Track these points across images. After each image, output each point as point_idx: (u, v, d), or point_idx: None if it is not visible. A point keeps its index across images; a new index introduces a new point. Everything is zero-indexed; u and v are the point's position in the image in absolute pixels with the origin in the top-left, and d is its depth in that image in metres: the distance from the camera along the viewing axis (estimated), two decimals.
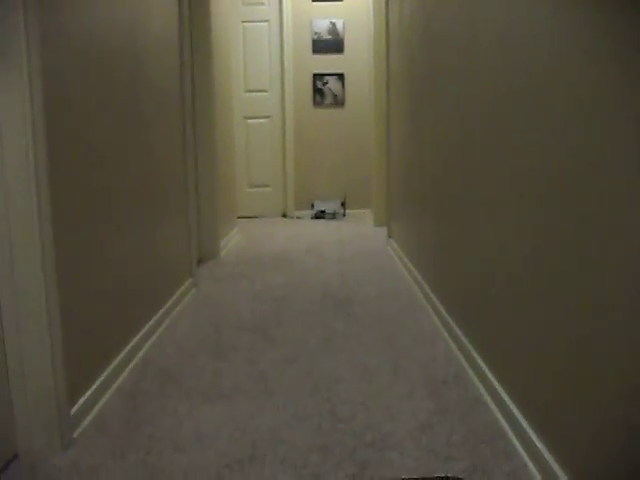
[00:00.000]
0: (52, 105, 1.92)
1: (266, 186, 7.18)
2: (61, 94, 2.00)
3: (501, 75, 2.06)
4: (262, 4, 6.94)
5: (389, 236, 5.28)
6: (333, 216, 6.93)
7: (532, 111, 1.77)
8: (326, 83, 6.99)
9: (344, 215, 6.98)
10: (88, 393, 2.17)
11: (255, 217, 7.11)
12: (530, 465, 1.77)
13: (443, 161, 3.05)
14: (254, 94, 7.03)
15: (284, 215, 7.19)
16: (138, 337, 2.75)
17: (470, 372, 2.46)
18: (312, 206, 7.07)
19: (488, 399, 2.21)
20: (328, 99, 7.03)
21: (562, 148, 1.56)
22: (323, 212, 6.95)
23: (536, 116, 1.74)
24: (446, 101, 2.94)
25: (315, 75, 6.99)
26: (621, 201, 1.27)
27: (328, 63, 6.98)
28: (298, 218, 7.04)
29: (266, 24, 6.96)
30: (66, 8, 2.05)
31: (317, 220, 6.90)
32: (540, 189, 1.72)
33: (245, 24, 6.94)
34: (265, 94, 7.04)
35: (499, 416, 2.08)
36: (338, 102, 7.04)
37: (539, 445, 1.73)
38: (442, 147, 3.06)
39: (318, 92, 7.01)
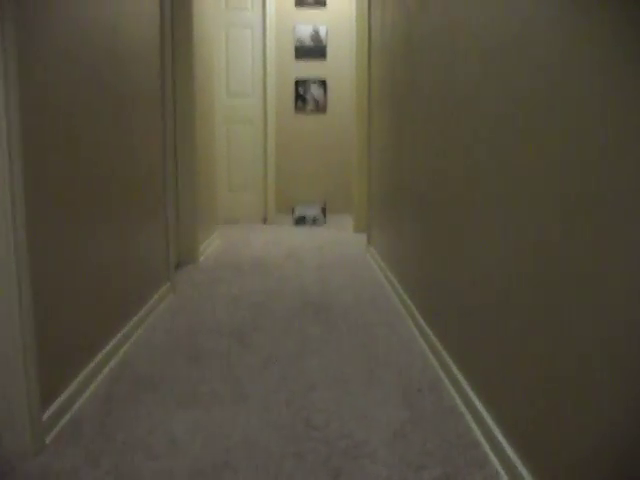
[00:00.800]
0: (29, 105, 1.91)
1: (247, 191, 7.17)
2: (39, 95, 1.99)
3: (481, 79, 2.08)
4: (245, 9, 6.94)
5: (368, 243, 5.30)
6: (313, 222, 6.93)
7: (514, 113, 1.79)
8: (308, 89, 7.01)
9: (324, 221, 6.99)
10: (61, 398, 2.15)
11: (235, 222, 7.10)
12: (502, 474, 1.79)
13: (422, 169, 3.07)
14: (236, 99, 7.02)
15: (264, 220, 7.18)
16: (114, 342, 2.74)
17: (445, 380, 2.47)
18: (293, 211, 7.07)
19: (462, 408, 2.22)
20: (310, 105, 7.05)
21: (555, 150, 1.58)
22: (304, 217, 6.95)
23: (518, 118, 1.76)
24: (426, 108, 2.96)
25: (297, 81, 7.01)
26: (617, 211, 1.28)
27: (310, 69, 7.00)
28: (278, 224, 7.03)
29: (249, 29, 6.96)
30: (44, 9, 2.04)
31: (297, 226, 6.90)
32: (523, 195, 1.74)
33: (228, 29, 6.93)
34: (247, 99, 7.04)
35: (473, 425, 2.09)
36: (320, 108, 7.06)
37: (511, 454, 1.74)
38: (422, 154, 3.08)
39: (300, 98, 7.03)
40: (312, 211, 6.97)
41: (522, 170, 1.69)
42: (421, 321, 3.01)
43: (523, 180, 1.68)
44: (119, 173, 2.84)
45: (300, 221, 6.96)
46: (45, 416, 2.01)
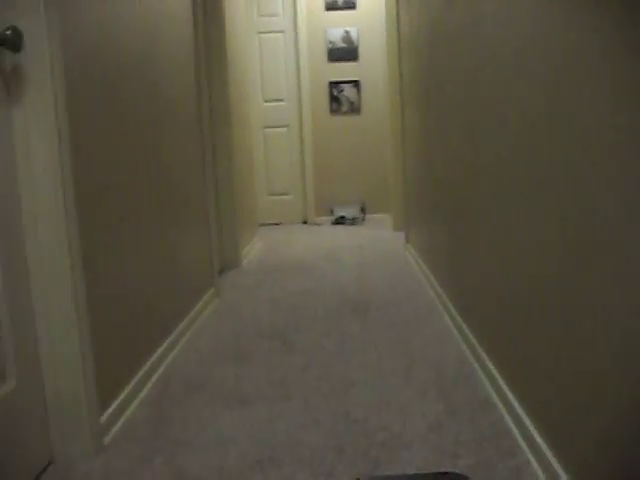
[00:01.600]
0: (76, 116, 2.05)
1: (286, 194, 7.32)
2: (84, 107, 2.13)
3: (510, 76, 2.16)
4: (277, 15, 7.08)
5: (407, 241, 5.38)
6: (353, 221, 7.04)
7: (548, 114, 1.87)
8: (342, 91, 7.12)
9: (363, 220, 7.09)
10: (117, 401, 2.31)
11: (276, 224, 7.25)
12: (532, 461, 1.87)
13: (453, 168, 3.15)
14: (272, 104, 7.17)
15: (305, 222, 7.32)
16: (163, 347, 2.89)
17: (479, 372, 2.56)
18: (332, 212, 7.19)
19: (495, 399, 2.31)
20: (344, 106, 7.15)
21: (586, 150, 1.66)
22: (343, 218, 7.06)
23: (556, 118, 1.83)
24: (454, 106, 3.04)
25: (331, 83, 7.12)
26: None
27: (343, 71, 7.11)
28: (318, 224, 7.16)
29: (281, 34, 7.11)
30: (86, 25, 2.18)
31: (337, 226, 7.01)
32: (553, 188, 1.81)
33: (261, 35, 7.09)
34: (282, 103, 7.18)
35: (505, 415, 2.17)
36: (354, 109, 7.16)
37: (541, 443, 1.82)
38: (452, 153, 3.16)
39: (334, 100, 7.14)
40: (351, 211, 7.08)
41: (552, 165, 1.76)
42: (456, 316, 3.10)
43: (554, 174, 1.76)
44: (161, 183, 2.99)
45: (339, 221, 7.08)
46: (103, 419, 2.16)
